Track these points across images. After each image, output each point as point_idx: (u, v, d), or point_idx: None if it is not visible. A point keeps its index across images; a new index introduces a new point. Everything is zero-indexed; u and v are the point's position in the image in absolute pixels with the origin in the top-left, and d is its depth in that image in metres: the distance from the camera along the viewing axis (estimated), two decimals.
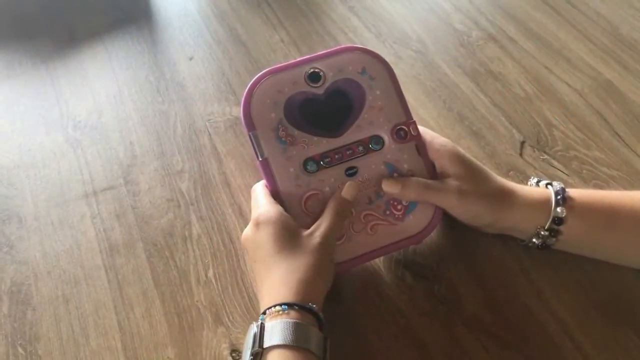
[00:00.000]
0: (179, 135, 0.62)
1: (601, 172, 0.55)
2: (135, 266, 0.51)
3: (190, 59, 0.70)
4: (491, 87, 0.64)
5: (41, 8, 0.78)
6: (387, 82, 0.46)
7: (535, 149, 0.57)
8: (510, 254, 0.49)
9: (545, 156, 0.57)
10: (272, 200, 0.44)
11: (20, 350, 0.46)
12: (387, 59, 0.47)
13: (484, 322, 0.45)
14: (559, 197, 0.43)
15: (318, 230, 0.42)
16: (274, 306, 0.38)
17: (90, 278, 0.50)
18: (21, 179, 0.58)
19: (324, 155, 0.45)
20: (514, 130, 0.59)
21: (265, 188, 0.45)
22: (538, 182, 0.48)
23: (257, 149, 0.44)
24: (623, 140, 0.58)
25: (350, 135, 0.45)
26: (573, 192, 0.44)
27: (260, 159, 0.44)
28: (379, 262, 0.49)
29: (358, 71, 0.46)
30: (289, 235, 0.41)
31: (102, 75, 0.69)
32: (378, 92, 0.46)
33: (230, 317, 0.47)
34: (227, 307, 0.48)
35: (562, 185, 0.44)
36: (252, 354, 0.36)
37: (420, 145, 0.46)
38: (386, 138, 0.45)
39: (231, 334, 0.46)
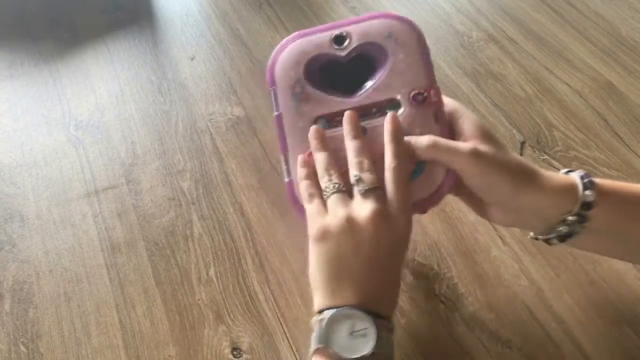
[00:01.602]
0: (180, 135, 0.62)
1: (601, 173, 0.55)
2: (137, 265, 0.51)
3: (192, 59, 0.71)
4: (491, 87, 0.64)
5: (43, 8, 0.78)
6: (414, 47, 0.45)
7: (535, 149, 0.58)
8: (511, 254, 0.49)
9: (546, 156, 0.57)
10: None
11: (22, 347, 0.46)
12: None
13: (484, 321, 0.46)
14: (585, 180, 0.38)
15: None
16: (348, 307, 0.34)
17: (91, 276, 0.50)
18: (23, 177, 0.59)
19: (336, 114, 0.44)
20: (514, 131, 0.59)
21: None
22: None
23: (274, 104, 0.44)
24: (623, 141, 0.58)
25: (367, 97, 0.43)
26: (599, 179, 0.39)
27: (276, 113, 0.44)
28: None
29: (384, 35, 0.45)
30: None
31: (104, 75, 0.69)
32: (401, 56, 0.44)
33: (231, 316, 0.47)
34: (228, 305, 0.48)
35: (585, 172, 0.39)
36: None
37: (439, 114, 0.42)
38: (403, 102, 0.43)
39: (232, 333, 0.46)
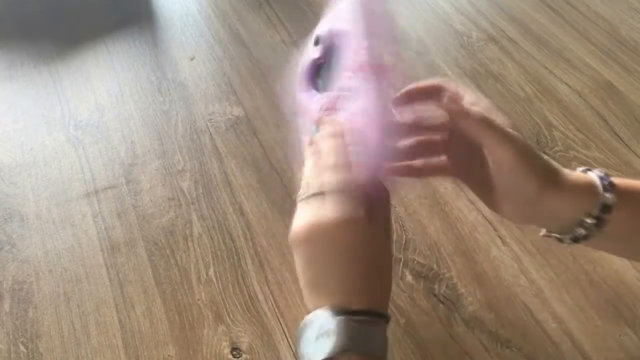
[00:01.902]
0: (180, 135, 0.62)
1: None
2: (136, 264, 0.51)
3: (192, 59, 0.71)
4: (491, 87, 0.64)
5: (43, 9, 0.78)
6: (358, 24, 0.41)
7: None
8: (510, 254, 0.49)
9: (545, 156, 0.57)
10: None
11: (21, 347, 0.46)
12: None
13: (484, 321, 0.46)
14: (605, 182, 0.36)
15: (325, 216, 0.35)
16: (342, 312, 0.34)
17: (91, 276, 0.50)
18: (23, 177, 0.59)
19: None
20: None
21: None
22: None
23: (299, 131, 0.43)
24: (623, 141, 0.58)
25: (336, 90, 0.42)
26: (616, 180, 0.37)
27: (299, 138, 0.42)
28: None
29: (339, 20, 0.44)
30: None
31: (103, 76, 0.69)
32: (350, 35, 0.41)
33: (231, 316, 0.47)
34: (227, 305, 0.48)
35: (604, 171, 0.38)
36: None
37: (379, 92, 0.39)
38: (354, 82, 0.40)
39: (231, 332, 0.46)
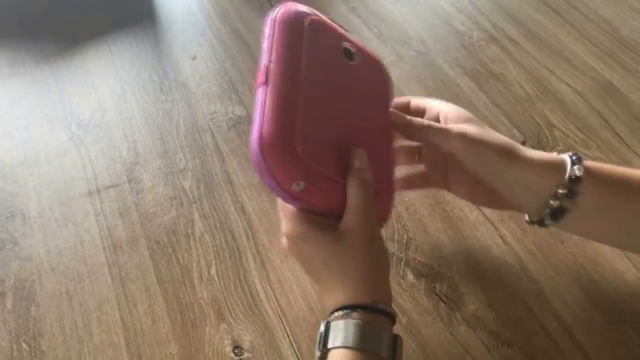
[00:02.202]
0: (182, 134, 0.62)
1: None
2: (139, 263, 0.51)
3: (193, 58, 0.71)
4: (492, 87, 0.64)
5: (45, 8, 0.79)
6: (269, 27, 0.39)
7: (536, 149, 0.58)
8: (511, 253, 0.50)
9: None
10: (295, 211, 0.40)
11: (24, 345, 0.46)
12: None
13: (485, 320, 0.46)
14: (574, 157, 0.40)
15: (353, 222, 0.37)
16: (337, 310, 0.36)
17: (93, 275, 0.51)
18: (25, 176, 0.59)
19: None
20: (515, 130, 0.60)
21: None
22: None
23: None
24: (623, 141, 0.58)
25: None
26: (586, 160, 0.41)
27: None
28: None
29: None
30: (327, 244, 0.38)
31: (105, 74, 0.69)
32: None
33: (233, 314, 0.47)
34: (229, 304, 0.48)
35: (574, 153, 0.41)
36: (319, 357, 0.35)
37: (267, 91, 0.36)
38: None
39: (233, 331, 0.46)
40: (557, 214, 0.40)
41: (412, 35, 0.71)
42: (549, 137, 0.59)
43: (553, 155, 0.41)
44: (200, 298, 0.49)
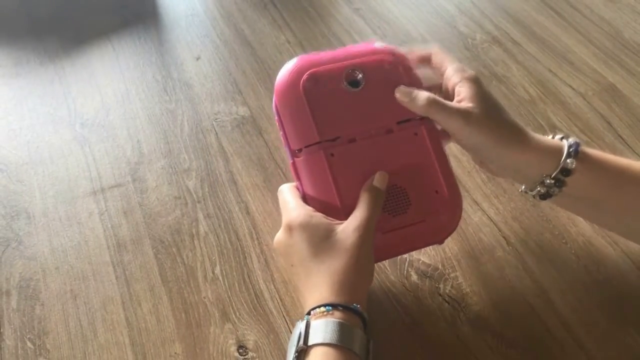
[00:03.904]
0: (186, 134, 0.62)
1: None
2: (143, 263, 0.51)
3: (197, 58, 0.71)
4: (495, 89, 0.65)
5: (50, 7, 0.79)
6: None
7: None
8: (515, 254, 0.50)
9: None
10: (300, 202, 0.42)
11: (29, 344, 0.46)
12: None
13: (489, 321, 0.46)
14: (571, 149, 0.41)
15: (353, 225, 0.39)
16: (319, 307, 0.37)
17: (98, 274, 0.51)
18: (29, 175, 0.59)
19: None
20: None
21: (293, 190, 0.44)
22: (553, 136, 0.45)
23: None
24: (626, 143, 0.58)
25: None
26: (587, 149, 0.42)
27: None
28: (384, 261, 0.50)
29: None
30: (323, 236, 0.39)
31: (109, 74, 0.69)
32: None
33: (237, 314, 0.47)
34: (233, 303, 0.48)
35: (578, 140, 0.42)
36: (296, 351, 0.36)
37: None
38: None
39: (238, 331, 0.46)
40: (545, 197, 0.43)
41: (415, 37, 0.72)
42: None
43: (552, 142, 0.42)
44: (204, 297, 0.49)
